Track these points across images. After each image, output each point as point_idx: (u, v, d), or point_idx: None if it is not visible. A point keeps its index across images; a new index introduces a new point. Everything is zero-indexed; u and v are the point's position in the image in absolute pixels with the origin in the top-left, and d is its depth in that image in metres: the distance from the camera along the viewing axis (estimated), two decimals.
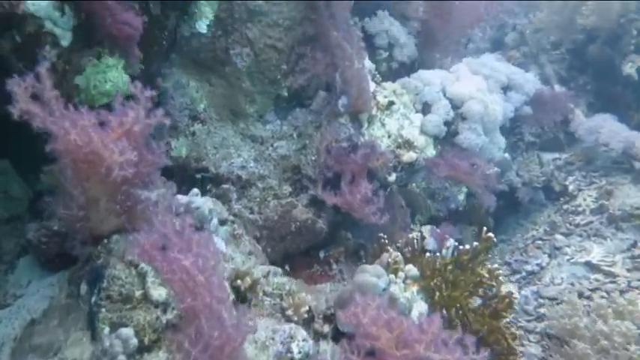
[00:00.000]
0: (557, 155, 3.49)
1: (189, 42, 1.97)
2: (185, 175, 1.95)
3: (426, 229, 2.18)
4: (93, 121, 1.20)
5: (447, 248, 1.70)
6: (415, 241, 1.83)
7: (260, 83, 1.99)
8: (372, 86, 2.02)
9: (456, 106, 2.11)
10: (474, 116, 2.02)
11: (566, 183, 3.20)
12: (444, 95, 2.10)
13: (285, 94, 2.04)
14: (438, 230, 2.12)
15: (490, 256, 2.12)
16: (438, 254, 1.73)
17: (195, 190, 1.70)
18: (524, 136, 3.49)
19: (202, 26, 1.95)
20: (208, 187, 1.95)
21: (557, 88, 3.65)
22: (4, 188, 1.87)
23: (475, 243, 1.69)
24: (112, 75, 1.67)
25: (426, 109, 2.09)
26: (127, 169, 1.20)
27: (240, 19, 1.93)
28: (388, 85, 2.07)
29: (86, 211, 1.36)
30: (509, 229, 3.15)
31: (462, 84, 2.10)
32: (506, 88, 3.17)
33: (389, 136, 1.93)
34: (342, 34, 1.90)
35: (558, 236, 2.81)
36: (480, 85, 2.14)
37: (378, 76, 2.10)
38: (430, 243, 1.91)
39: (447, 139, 2.08)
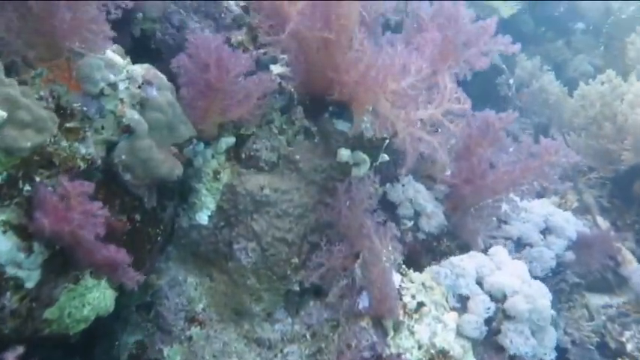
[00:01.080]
0: (607, 299, 3.10)
1: (189, 234, 1.74)
2: None
3: None
4: None
5: None
6: None
7: (268, 280, 1.72)
8: (398, 280, 1.74)
9: (496, 298, 1.80)
10: (520, 316, 1.71)
11: (623, 339, 2.79)
12: (482, 287, 1.79)
13: (297, 288, 1.77)
14: None
15: None
16: None
17: None
18: (568, 276, 3.13)
19: (203, 217, 1.72)
20: None
21: (601, 221, 3.32)
22: None
23: None
24: (91, 297, 1.43)
25: (461, 304, 1.78)
26: None
27: (244, 210, 1.70)
28: (416, 276, 1.79)
29: None
30: None
31: (503, 273, 1.81)
32: (544, 231, 2.86)
33: (419, 347, 1.62)
34: (371, 225, 1.65)
35: None
36: (524, 274, 1.83)
37: (403, 266, 1.82)
38: None
39: (487, 338, 1.76)
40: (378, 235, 1.66)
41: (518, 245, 2.78)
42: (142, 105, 1.51)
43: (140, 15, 1.98)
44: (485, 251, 2.29)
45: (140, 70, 1.53)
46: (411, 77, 1.57)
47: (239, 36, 1.94)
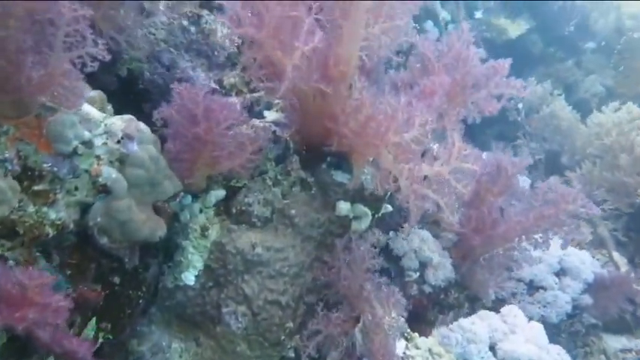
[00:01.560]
0: (625, 342, 2.93)
1: (174, 295, 1.61)
2: None
3: None
4: None
5: None
6: None
7: (259, 346, 1.58)
8: (402, 347, 1.59)
9: None
10: None
11: None
12: (495, 354, 1.64)
13: (292, 355, 1.62)
14: None
15: None
16: None
17: None
18: (584, 318, 2.96)
19: (190, 277, 1.59)
20: None
21: (617, 256, 3.15)
22: None
23: None
24: None
25: None
26: None
27: (234, 271, 1.57)
28: (422, 342, 1.64)
29: None
30: None
31: (518, 338, 1.66)
32: (559, 272, 2.71)
33: None
34: (371, 289, 1.50)
35: None
36: (540, 338, 1.68)
37: (408, 330, 1.67)
38: None
39: None
40: (380, 299, 1.52)
41: (531, 288, 2.63)
42: (122, 161, 1.38)
43: (127, 55, 1.86)
44: (496, 303, 2.14)
45: (120, 123, 1.41)
46: (414, 130, 1.43)
47: (232, 78, 1.82)
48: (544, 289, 2.58)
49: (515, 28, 5.85)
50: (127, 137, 1.40)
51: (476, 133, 5.77)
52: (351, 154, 1.57)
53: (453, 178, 1.41)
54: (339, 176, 1.62)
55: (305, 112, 1.57)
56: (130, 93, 1.89)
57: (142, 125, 1.44)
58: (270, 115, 1.69)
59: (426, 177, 1.44)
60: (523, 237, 1.94)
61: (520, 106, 4.50)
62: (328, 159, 1.63)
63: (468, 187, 1.40)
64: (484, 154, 3.88)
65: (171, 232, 1.59)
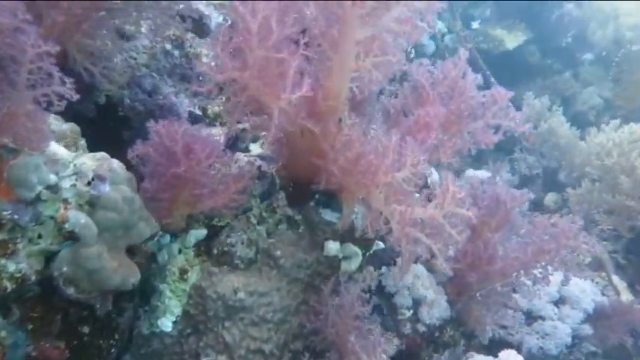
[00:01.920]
0: None
1: (149, 342, 1.50)
2: None
3: None
4: None
5: None
6: None
7: None
8: None
9: None
10: None
11: None
12: None
13: None
14: None
15: None
16: None
17: None
18: (583, 347, 2.87)
19: (167, 324, 1.49)
20: None
21: (617, 280, 3.06)
22: None
23: None
24: None
25: None
26: None
27: (215, 317, 1.46)
28: None
29: None
30: None
31: None
32: (558, 301, 2.62)
33: None
34: (356, 341, 1.40)
35: None
36: None
37: None
38: None
39: None
40: (366, 349, 1.42)
41: (529, 317, 2.54)
42: (92, 204, 1.28)
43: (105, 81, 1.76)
44: (493, 342, 2.05)
45: (91, 162, 1.31)
46: (406, 170, 1.34)
47: (216, 106, 1.72)
48: (543, 318, 2.49)
49: (512, 39, 5.77)
50: (99, 178, 1.29)
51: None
52: (341, 193, 1.48)
53: (448, 222, 1.31)
54: (328, 215, 1.53)
55: (292, 148, 1.47)
56: (109, 120, 1.80)
57: (116, 164, 1.34)
58: (256, 149, 1.60)
59: (419, 220, 1.34)
60: (522, 272, 1.85)
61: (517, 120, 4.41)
62: (317, 196, 1.54)
63: (463, 235, 1.30)
64: (481, 173, 3.80)
65: (148, 273, 1.50)
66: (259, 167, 1.54)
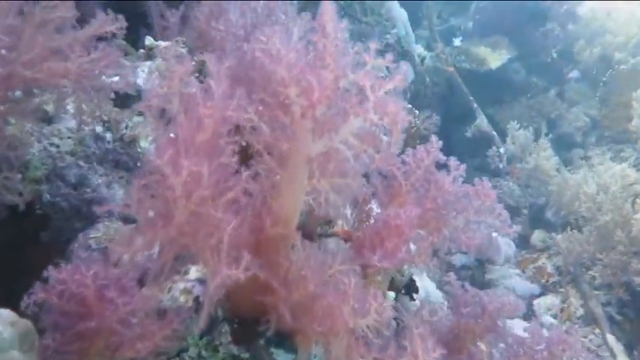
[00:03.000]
0: None
1: None
2: None
3: None
4: None
5: None
6: None
7: None
8: None
9: None
10: None
11: None
12: None
13: None
14: None
15: None
16: None
17: None
18: None
19: None
20: None
21: (612, 340, 2.85)
22: None
23: None
24: None
25: None
26: None
27: None
28: None
29: None
30: None
31: None
32: None
33: None
34: None
35: None
36: None
37: None
38: None
39: None
40: None
41: None
42: None
43: (19, 176, 1.47)
44: None
45: None
46: (370, 317, 1.10)
47: None
48: None
49: (495, 57, 5.57)
50: None
51: (457, 155, 5.50)
52: (295, 335, 1.22)
53: None
54: (282, 356, 1.28)
55: (234, 284, 1.21)
56: (23, 220, 1.52)
57: (2, 321, 1.06)
58: (194, 273, 1.33)
59: None
60: None
61: (502, 150, 4.21)
62: (267, 333, 1.28)
63: None
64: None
65: None
66: (197, 298, 1.27)
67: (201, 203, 0.98)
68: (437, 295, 2.02)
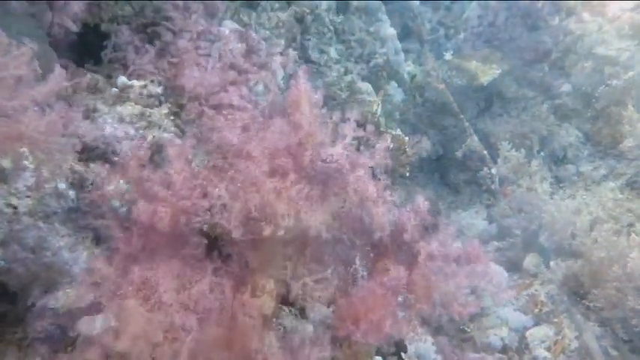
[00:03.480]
0: None
1: None
2: None
3: None
4: None
5: None
6: None
7: None
8: None
9: None
10: None
11: None
12: None
13: None
14: None
15: None
16: None
17: None
18: None
19: None
20: None
21: None
22: None
23: None
24: None
25: None
26: None
27: None
28: None
29: None
30: None
31: None
32: None
33: None
34: None
35: None
36: None
37: None
38: None
39: None
40: None
41: None
42: None
43: None
44: None
45: None
46: None
47: None
48: None
49: (486, 72, 5.49)
50: None
51: (449, 175, 5.40)
52: None
53: None
54: None
55: None
56: None
57: None
58: None
59: None
60: None
61: (494, 171, 4.12)
62: None
63: None
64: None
65: None
66: None
67: (156, 309, 0.86)
68: (428, 350, 1.91)
